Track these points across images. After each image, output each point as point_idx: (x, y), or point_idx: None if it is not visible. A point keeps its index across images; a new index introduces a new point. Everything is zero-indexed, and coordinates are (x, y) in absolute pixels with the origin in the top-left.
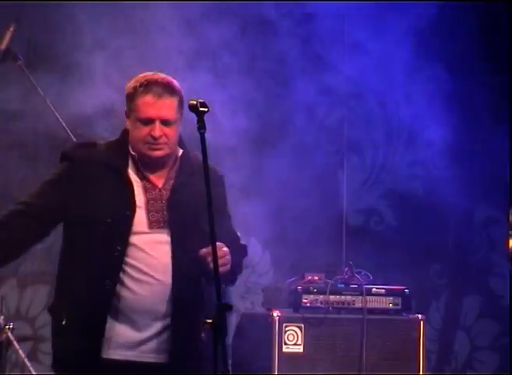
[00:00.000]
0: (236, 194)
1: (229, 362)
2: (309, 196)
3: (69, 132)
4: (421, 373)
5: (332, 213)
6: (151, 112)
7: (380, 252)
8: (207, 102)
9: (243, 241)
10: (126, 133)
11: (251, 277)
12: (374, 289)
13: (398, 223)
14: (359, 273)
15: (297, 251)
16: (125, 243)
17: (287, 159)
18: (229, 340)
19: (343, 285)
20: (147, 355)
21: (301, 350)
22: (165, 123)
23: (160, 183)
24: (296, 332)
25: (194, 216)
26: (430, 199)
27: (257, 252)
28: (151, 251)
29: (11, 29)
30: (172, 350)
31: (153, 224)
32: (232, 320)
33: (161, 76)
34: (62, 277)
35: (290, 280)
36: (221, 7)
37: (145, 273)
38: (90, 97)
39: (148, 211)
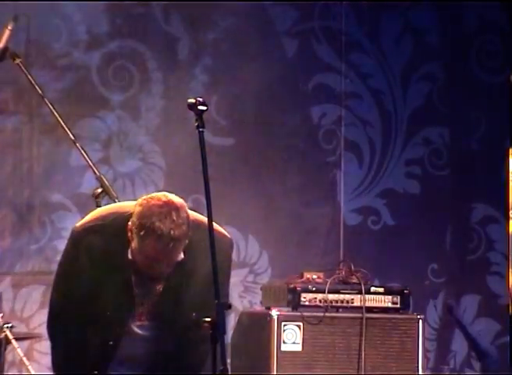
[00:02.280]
0: (234, 194)
1: (228, 361)
2: (306, 195)
3: (67, 130)
4: (419, 372)
5: (330, 212)
6: (159, 257)
7: (378, 252)
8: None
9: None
10: (128, 220)
11: (249, 277)
12: (372, 288)
13: (395, 223)
14: (357, 271)
15: (295, 250)
16: (118, 338)
17: (285, 158)
18: (228, 339)
19: (341, 284)
20: None
21: (300, 349)
22: (168, 266)
23: (153, 281)
24: (294, 330)
25: (182, 313)
26: (428, 198)
27: (254, 252)
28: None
29: (9, 27)
30: None
31: (135, 318)
32: (231, 320)
33: (175, 223)
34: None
35: (289, 278)
36: None
37: None
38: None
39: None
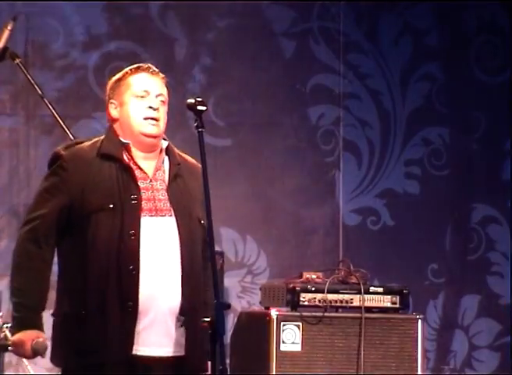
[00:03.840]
0: (232, 195)
1: (227, 361)
2: (305, 196)
3: (67, 130)
4: (419, 372)
5: (329, 213)
6: (147, 85)
7: (377, 252)
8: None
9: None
10: (111, 127)
11: (247, 277)
12: (372, 288)
13: (395, 223)
14: (357, 271)
15: (294, 250)
16: (138, 227)
17: (283, 159)
18: (227, 339)
19: (340, 284)
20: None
21: (299, 349)
22: (160, 98)
23: (150, 172)
24: (294, 330)
25: (189, 205)
26: (427, 198)
27: (253, 252)
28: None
29: (9, 27)
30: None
31: (145, 212)
32: (229, 320)
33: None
34: (70, 275)
35: (288, 278)
36: None
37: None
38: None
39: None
